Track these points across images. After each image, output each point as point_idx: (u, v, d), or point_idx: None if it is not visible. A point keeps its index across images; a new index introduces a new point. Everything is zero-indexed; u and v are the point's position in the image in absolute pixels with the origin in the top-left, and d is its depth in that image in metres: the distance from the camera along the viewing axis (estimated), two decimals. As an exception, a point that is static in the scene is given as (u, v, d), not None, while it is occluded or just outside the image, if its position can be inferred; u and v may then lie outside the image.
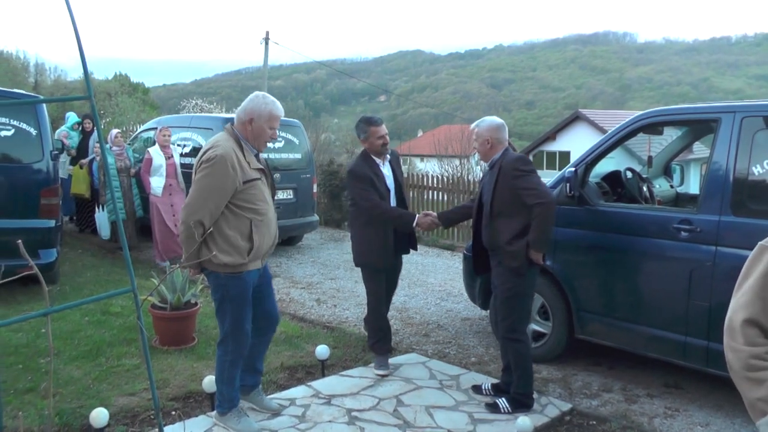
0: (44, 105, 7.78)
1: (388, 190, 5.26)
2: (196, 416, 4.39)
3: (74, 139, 11.72)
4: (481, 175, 5.16)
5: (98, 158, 10.57)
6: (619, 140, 5.44)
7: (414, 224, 5.15)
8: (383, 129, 5.26)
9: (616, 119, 27.47)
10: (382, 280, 5.34)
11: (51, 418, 4.18)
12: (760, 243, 2.11)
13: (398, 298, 7.98)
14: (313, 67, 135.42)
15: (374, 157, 5.25)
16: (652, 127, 5.61)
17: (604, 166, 6.19)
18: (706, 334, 4.63)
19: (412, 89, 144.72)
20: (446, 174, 14.65)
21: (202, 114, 20.17)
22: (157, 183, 9.07)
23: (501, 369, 4.98)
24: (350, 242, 5.45)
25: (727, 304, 4.79)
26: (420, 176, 13.73)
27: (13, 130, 7.10)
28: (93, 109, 2.23)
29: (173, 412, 4.50)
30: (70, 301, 4.26)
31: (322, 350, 5.23)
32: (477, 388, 4.95)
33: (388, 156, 5.35)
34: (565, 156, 34.31)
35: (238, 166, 3.83)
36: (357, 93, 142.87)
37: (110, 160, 9.68)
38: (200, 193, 3.81)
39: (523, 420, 4.16)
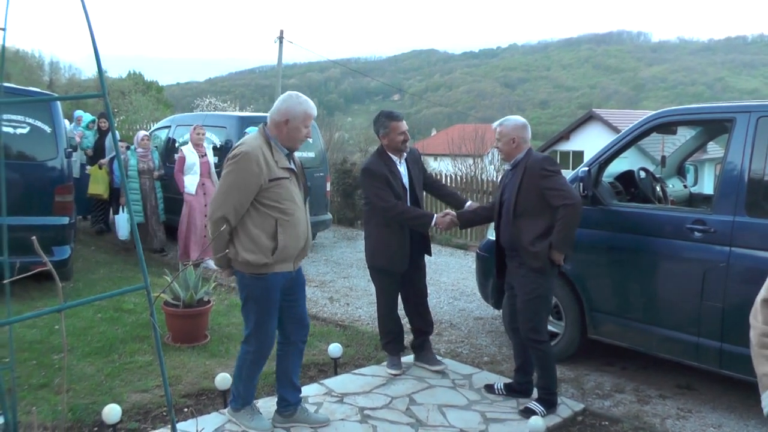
0: (58, 103, 7.84)
1: (405, 190, 5.10)
2: (209, 413, 4.40)
3: (89, 139, 11.56)
4: (499, 176, 5.07)
5: (123, 156, 10.54)
6: (632, 140, 5.41)
7: (433, 224, 5.01)
8: (404, 125, 5.09)
9: (630, 119, 27.32)
10: (394, 283, 5.19)
11: (64, 414, 4.21)
12: None
13: (410, 297, 7.99)
14: (327, 66, 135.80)
15: (391, 155, 5.09)
16: (666, 126, 5.59)
17: (618, 166, 6.16)
18: (719, 335, 4.60)
19: (426, 88, 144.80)
20: (460, 173, 14.59)
21: (216, 112, 20.25)
22: (190, 181, 8.97)
23: (514, 369, 4.97)
24: (363, 241, 5.37)
25: (741, 305, 4.77)
26: (434, 175, 13.70)
27: (28, 128, 7.15)
28: (107, 107, 2.24)
29: (186, 409, 4.52)
30: (84, 298, 4.29)
31: (334, 348, 5.23)
32: (490, 388, 4.93)
33: (405, 154, 5.18)
34: (578, 156, 34.16)
35: (264, 163, 3.79)
36: (371, 92, 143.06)
37: (132, 161, 9.69)
38: (223, 189, 3.80)
39: (536, 420, 4.15)
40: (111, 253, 9.81)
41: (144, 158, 9.82)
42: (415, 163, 5.32)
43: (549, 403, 4.57)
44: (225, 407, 4.42)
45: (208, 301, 5.98)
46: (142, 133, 10.31)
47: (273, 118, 3.92)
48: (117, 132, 11.45)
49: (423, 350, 5.37)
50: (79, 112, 12.37)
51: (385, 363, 5.35)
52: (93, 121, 11.76)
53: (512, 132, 4.60)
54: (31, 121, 7.16)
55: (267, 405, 4.49)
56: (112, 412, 3.88)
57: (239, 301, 7.16)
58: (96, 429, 4.17)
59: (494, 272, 5.03)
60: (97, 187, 10.82)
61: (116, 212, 10.03)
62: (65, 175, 7.39)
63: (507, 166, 4.78)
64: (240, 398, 4.15)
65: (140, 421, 4.31)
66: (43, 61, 51.48)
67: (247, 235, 3.83)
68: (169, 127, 11.51)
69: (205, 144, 9.26)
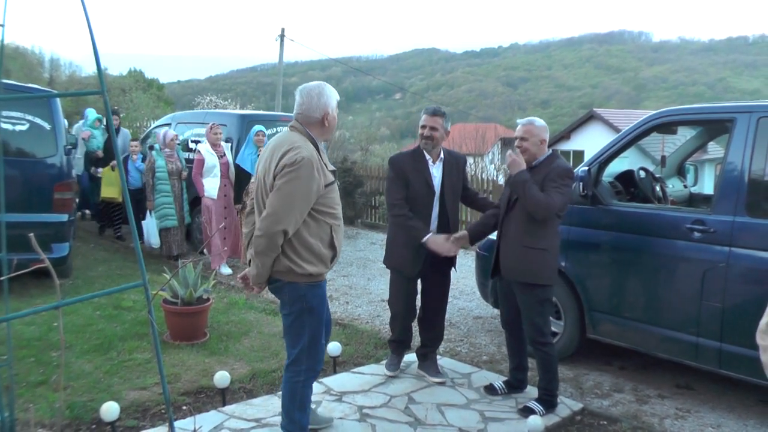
0: (58, 100, 7.81)
1: (433, 193, 4.83)
2: (207, 411, 4.39)
3: (98, 139, 10.81)
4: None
5: (134, 157, 10.08)
6: (632, 139, 5.40)
7: (423, 240, 4.66)
8: (431, 120, 4.80)
9: (631, 119, 27.27)
10: (408, 288, 4.99)
11: (61, 411, 4.21)
12: None
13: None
14: (329, 65, 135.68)
15: (426, 153, 4.85)
16: (666, 126, 5.57)
17: (618, 166, 6.15)
18: (718, 335, 4.59)
19: (427, 87, 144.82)
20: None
21: (217, 110, 20.24)
22: (211, 185, 8.59)
23: (512, 367, 4.95)
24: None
25: (740, 305, 4.76)
26: (472, 188, 13.70)
27: (27, 125, 7.15)
28: (106, 104, 2.24)
29: (184, 407, 4.51)
30: (82, 295, 4.29)
31: (333, 347, 5.22)
32: (491, 389, 4.88)
33: (441, 155, 4.89)
34: (579, 155, 34.08)
35: (321, 168, 3.51)
36: (372, 90, 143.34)
37: (160, 161, 9.12)
38: (285, 200, 3.40)
39: (534, 419, 4.14)
40: (110, 251, 9.81)
41: (171, 158, 9.24)
42: (456, 169, 5.00)
43: (549, 404, 4.57)
44: (223, 405, 4.42)
45: (208, 299, 5.98)
46: (171, 133, 9.50)
47: (310, 115, 3.61)
48: (127, 131, 10.97)
49: (426, 360, 5.20)
50: (89, 110, 11.77)
51: (384, 362, 5.34)
52: (99, 119, 11.01)
53: (542, 133, 4.50)
54: (30, 118, 7.16)
55: (266, 403, 4.50)
56: (110, 409, 3.89)
57: (239, 298, 7.22)
58: (94, 426, 4.16)
59: (485, 269, 4.90)
60: (111, 189, 10.22)
61: (143, 218, 9.36)
62: (65, 172, 7.39)
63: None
64: (298, 431, 3.76)
65: (138, 418, 4.30)
66: (43, 58, 51.58)
67: (304, 245, 3.50)
68: (170, 124, 11.49)
69: (222, 143, 8.94)
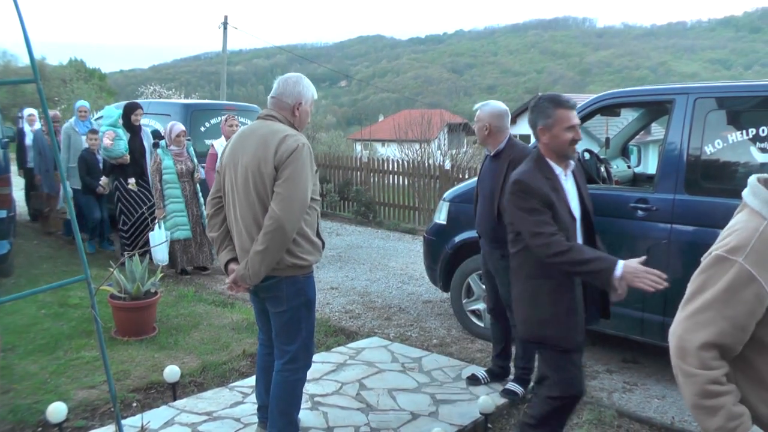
0: (-7, 92, 7.54)
1: (574, 219, 3.37)
2: (158, 407, 4.33)
3: (124, 141, 8.48)
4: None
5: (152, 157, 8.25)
6: (576, 121, 5.46)
7: (618, 274, 3.02)
8: (576, 117, 3.41)
9: (576, 103, 27.58)
10: (573, 363, 3.41)
11: None
12: (715, 253, 1.78)
13: (360, 282, 7.98)
14: (273, 53, 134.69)
15: (552, 163, 3.38)
16: (609, 108, 5.67)
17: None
18: (662, 310, 4.71)
19: (373, 74, 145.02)
20: (406, 158, 14.57)
21: (161, 100, 19.89)
22: None
23: (495, 354, 4.90)
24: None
25: (681, 280, 4.83)
26: (381, 161, 13.69)
27: (-40, 119, 6.90)
28: (40, 93, 2.15)
29: (134, 404, 4.44)
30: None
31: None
32: (473, 379, 4.82)
33: (572, 163, 3.52)
34: (525, 139, 33.98)
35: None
36: (318, 78, 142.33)
37: (167, 161, 7.88)
38: (298, 189, 3.28)
39: (485, 399, 4.18)
40: (54, 248, 9.56)
41: (180, 157, 7.98)
42: (581, 177, 3.64)
43: (527, 382, 4.64)
44: (174, 400, 4.36)
45: (156, 293, 5.87)
46: (177, 127, 8.05)
47: (283, 103, 3.51)
48: (148, 131, 10.00)
49: None
50: (81, 103, 9.98)
51: (336, 349, 5.31)
52: (120, 116, 8.61)
53: (486, 118, 4.44)
54: (-38, 111, 6.91)
55: (217, 396, 4.46)
56: (56, 410, 3.76)
57: (187, 291, 7.11)
58: (40, 429, 4.05)
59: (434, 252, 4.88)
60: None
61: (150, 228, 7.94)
62: (2, 166, 7.15)
63: (486, 151, 4.61)
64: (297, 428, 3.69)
65: (87, 418, 4.21)
66: (-26, 48, 49.71)
67: (302, 235, 3.37)
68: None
69: None
